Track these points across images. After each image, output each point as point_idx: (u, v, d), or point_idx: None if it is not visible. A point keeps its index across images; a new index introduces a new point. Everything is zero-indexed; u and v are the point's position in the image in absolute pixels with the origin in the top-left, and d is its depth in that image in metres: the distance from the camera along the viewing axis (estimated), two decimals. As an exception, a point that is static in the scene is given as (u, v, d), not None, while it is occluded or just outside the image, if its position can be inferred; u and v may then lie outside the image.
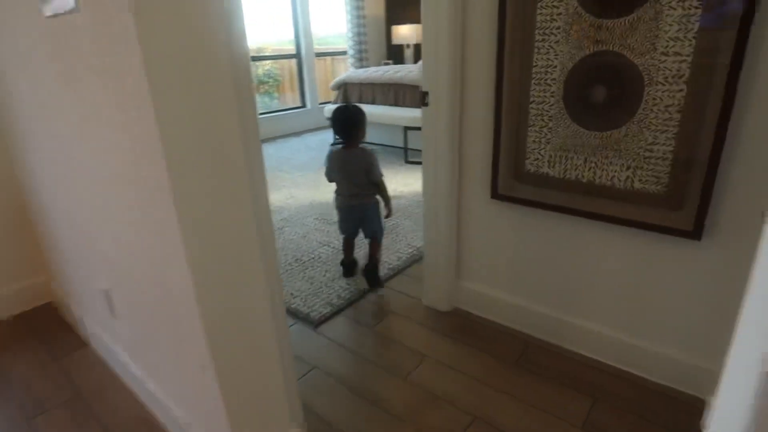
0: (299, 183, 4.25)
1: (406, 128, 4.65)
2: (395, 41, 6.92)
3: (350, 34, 6.94)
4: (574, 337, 1.80)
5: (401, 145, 4.85)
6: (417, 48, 6.92)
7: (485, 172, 1.82)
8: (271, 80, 6.91)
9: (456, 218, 1.99)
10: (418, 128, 4.61)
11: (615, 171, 1.48)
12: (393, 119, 4.69)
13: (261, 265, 1.15)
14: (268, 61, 6.82)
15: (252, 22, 6.09)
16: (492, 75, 1.67)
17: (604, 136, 1.47)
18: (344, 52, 7.23)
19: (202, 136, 0.97)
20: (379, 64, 7.29)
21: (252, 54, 6.13)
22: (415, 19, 6.89)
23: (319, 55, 7.12)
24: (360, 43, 7.04)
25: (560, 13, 1.44)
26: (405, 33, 6.71)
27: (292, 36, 6.61)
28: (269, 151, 5.61)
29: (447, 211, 1.95)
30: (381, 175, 2.34)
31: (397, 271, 2.52)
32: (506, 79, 1.62)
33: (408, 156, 4.71)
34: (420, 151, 5.12)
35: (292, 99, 6.97)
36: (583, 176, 1.56)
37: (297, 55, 6.67)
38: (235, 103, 1.00)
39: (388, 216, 2.41)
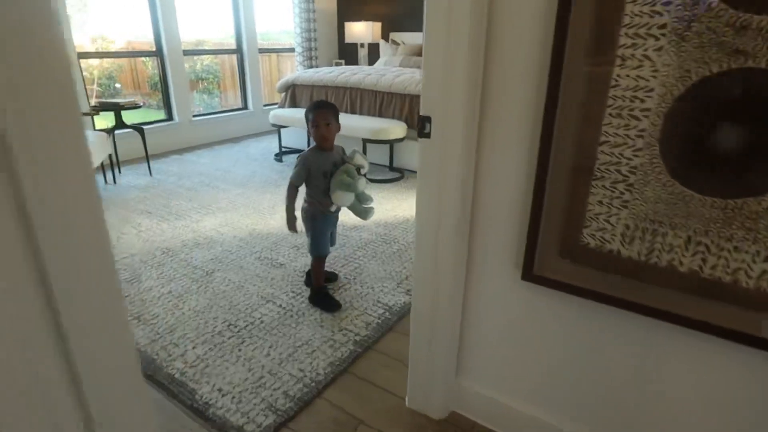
0: (237, 205, 3.50)
1: (365, 141, 4.00)
2: (348, 40, 6.26)
3: (298, 30, 6.20)
4: (636, 481, 1.24)
5: (359, 159, 4.19)
6: (372, 48, 6.29)
7: (514, 240, 1.22)
8: (210, 76, 6.08)
9: (461, 296, 1.38)
10: (380, 141, 4.03)
11: (743, 261, 0.92)
12: (349, 129, 3.94)
13: None
14: (207, 57, 6.00)
15: (189, 15, 5.25)
16: (536, 97, 1.07)
17: (730, 206, 0.91)
18: (292, 50, 6.49)
19: None
20: (330, 64, 6.61)
21: (189, 48, 5.35)
22: (370, 16, 6.27)
23: (263, 51, 6.33)
24: (309, 40, 6.32)
25: (670, 2, 0.86)
26: (359, 31, 6.05)
27: (233, 30, 5.80)
28: (204, 160, 4.79)
29: (451, 285, 1.34)
30: (291, 179, 2.03)
31: (366, 347, 1.87)
32: (562, 102, 1.02)
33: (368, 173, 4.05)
34: (384, 166, 4.31)
35: (234, 99, 6.15)
36: (681, 263, 0.99)
37: (238, 51, 5.85)
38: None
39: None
